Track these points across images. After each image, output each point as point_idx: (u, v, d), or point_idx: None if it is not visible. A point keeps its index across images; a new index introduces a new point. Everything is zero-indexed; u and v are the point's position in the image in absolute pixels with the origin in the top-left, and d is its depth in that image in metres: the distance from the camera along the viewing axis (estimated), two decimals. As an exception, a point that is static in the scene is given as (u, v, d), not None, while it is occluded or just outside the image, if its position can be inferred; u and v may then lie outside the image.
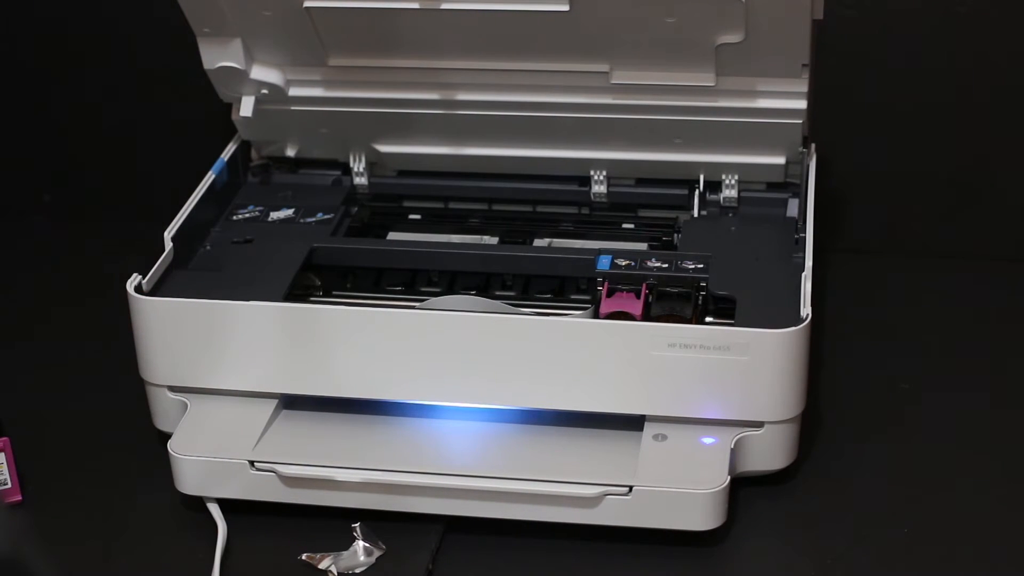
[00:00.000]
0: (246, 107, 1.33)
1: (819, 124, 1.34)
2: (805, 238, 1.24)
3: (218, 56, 1.30)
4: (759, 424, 1.16)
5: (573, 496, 1.13)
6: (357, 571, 1.13)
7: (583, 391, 1.16)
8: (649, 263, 1.24)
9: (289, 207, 1.35)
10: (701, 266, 1.24)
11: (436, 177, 1.39)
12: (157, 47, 1.55)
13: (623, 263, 1.24)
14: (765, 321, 1.15)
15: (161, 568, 1.15)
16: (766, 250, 1.27)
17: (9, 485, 1.20)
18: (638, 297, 1.21)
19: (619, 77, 1.27)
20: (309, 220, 1.34)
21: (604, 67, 1.27)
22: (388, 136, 1.36)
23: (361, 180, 1.39)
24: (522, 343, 1.16)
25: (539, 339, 1.16)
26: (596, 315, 1.20)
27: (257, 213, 1.35)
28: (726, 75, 1.26)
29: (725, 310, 1.21)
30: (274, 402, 1.22)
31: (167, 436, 1.20)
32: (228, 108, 1.36)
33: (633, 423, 1.18)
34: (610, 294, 1.22)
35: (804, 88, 1.26)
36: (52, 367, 1.38)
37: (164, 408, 1.23)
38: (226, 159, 1.37)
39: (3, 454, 1.19)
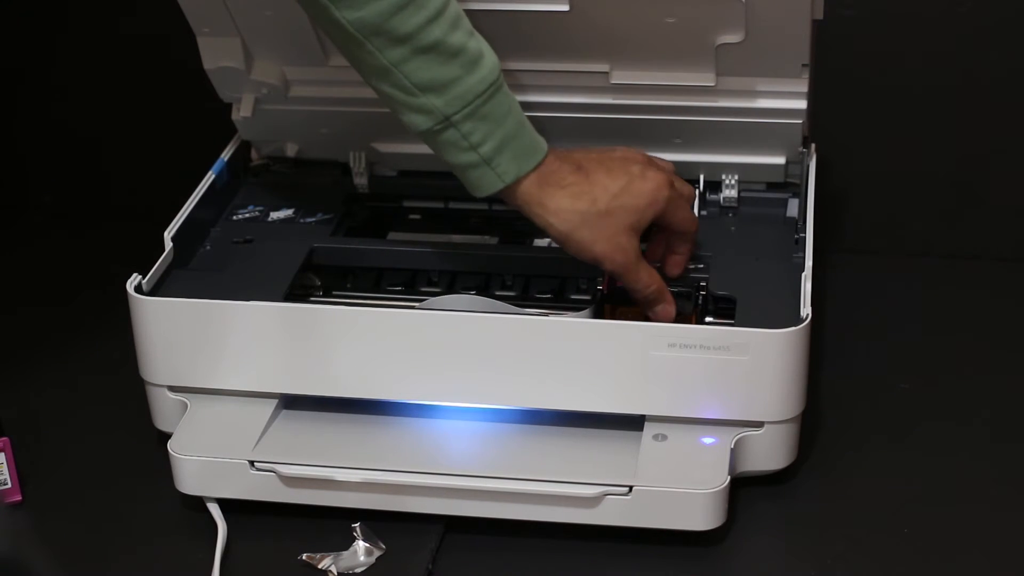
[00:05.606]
0: (246, 107, 1.33)
1: (819, 124, 1.34)
2: (805, 238, 1.24)
3: (218, 56, 1.30)
4: (759, 424, 1.16)
5: (573, 496, 1.13)
6: (357, 571, 1.13)
7: (583, 391, 1.16)
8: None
9: (289, 207, 1.35)
10: (701, 266, 1.24)
11: (436, 177, 1.38)
12: (157, 46, 1.55)
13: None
14: (765, 321, 1.15)
15: (161, 568, 1.15)
16: (766, 250, 1.27)
17: (9, 485, 1.20)
18: None
19: (619, 77, 1.27)
20: (309, 220, 1.34)
21: (604, 67, 1.27)
22: (388, 136, 1.36)
23: (361, 180, 1.39)
24: (522, 343, 1.16)
25: (539, 339, 1.15)
26: (596, 315, 1.20)
27: (257, 213, 1.35)
28: (726, 75, 1.26)
29: (725, 310, 1.21)
30: (274, 402, 1.21)
31: (167, 436, 1.20)
32: (228, 108, 1.36)
33: (633, 423, 1.18)
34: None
35: (804, 88, 1.26)
36: (52, 367, 1.38)
37: (164, 408, 1.23)
38: (226, 159, 1.37)
39: (3, 454, 1.19)
